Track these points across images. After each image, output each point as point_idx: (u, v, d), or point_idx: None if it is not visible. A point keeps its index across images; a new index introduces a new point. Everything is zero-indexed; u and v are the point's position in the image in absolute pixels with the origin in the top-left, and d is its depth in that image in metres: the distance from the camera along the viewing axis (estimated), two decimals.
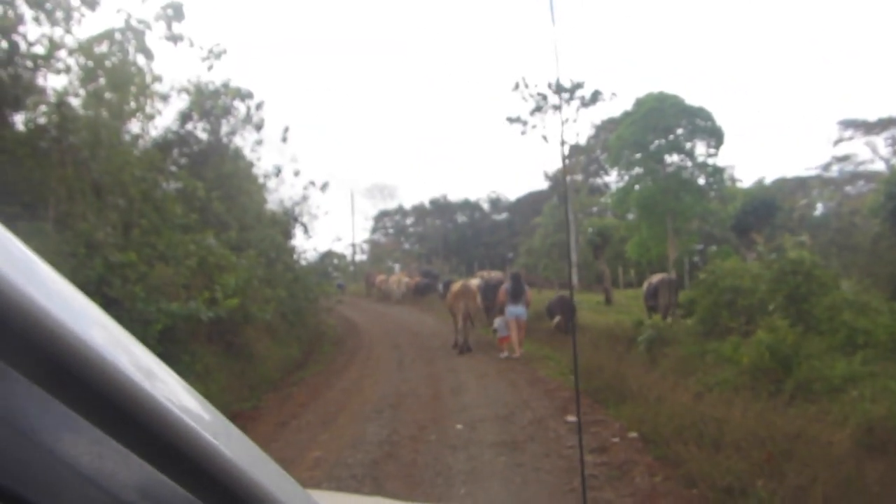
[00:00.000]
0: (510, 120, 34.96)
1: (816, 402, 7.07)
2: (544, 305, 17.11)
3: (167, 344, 8.21)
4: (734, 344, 9.37)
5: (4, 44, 8.21)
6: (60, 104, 8.66)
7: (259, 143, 17.21)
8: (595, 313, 19.40)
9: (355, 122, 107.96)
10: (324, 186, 20.27)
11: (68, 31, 9.01)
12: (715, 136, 27.36)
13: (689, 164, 27.57)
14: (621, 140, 28.44)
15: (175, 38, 10.33)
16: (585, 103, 33.82)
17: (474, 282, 16.68)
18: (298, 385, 11.28)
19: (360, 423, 8.29)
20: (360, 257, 59.28)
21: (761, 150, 78.44)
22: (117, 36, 9.84)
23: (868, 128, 34.89)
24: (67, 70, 9.29)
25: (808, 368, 7.81)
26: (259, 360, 11.55)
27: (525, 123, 34.41)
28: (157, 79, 11.21)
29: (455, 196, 64.51)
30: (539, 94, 33.48)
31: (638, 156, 27.80)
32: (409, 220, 68.04)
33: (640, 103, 28.44)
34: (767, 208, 22.20)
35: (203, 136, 15.60)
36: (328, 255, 23.64)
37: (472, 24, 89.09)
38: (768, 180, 36.64)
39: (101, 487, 0.60)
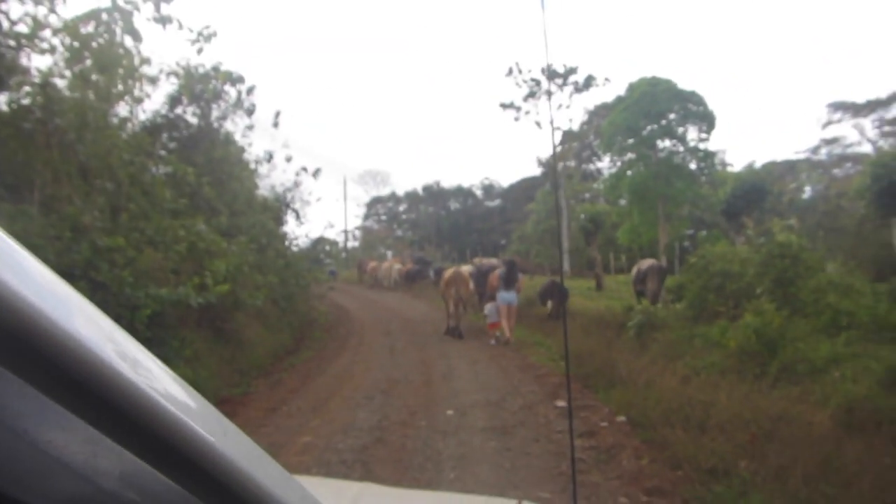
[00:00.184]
0: (503, 106, 34.90)
1: (800, 384, 7.17)
2: (536, 291, 17.19)
3: (156, 329, 8.19)
4: (722, 328, 9.46)
5: None
6: (45, 85, 8.54)
7: (250, 128, 17.18)
8: (586, 299, 19.47)
9: (348, 109, 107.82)
10: (316, 172, 20.27)
11: (52, 10, 8.86)
12: (707, 120, 27.43)
13: (681, 149, 27.66)
14: (614, 125, 28.49)
15: (163, 20, 10.21)
16: (579, 89, 33.78)
17: (466, 268, 16.72)
18: (289, 371, 11.30)
19: (351, 408, 8.33)
20: (352, 244, 59.30)
21: (752, 133, 78.74)
22: (104, 16, 9.71)
23: (856, 110, 35.04)
24: (52, 50, 9.14)
25: (793, 351, 7.91)
26: (249, 346, 11.57)
27: (518, 109, 34.38)
28: (146, 61, 11.10)
29: (448, 183, 64.62)
30: (532, 79, 33.44)
31: (630, 141, 27.88)
32: (401, 207, 68.02)
33: (632, 88, 28.47)
34: (757, 192, 22.29)
35: (193, 120, 15.54)
36: (320, 242, 23.70)
37: (465, 9, 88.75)
38: (758, 164, 36.85)
39: (88, 482, 0.59)
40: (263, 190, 19.61)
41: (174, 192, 11.44)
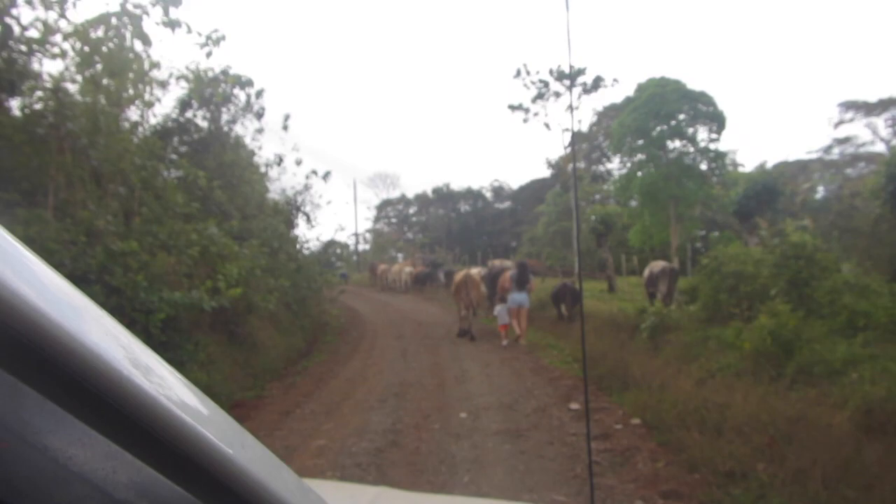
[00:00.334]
0: (512, 108, 34.95)
1: (817, 386, 7.11)
2: (548, 294, 17.16)
3: (170, 333, 8.23)
4: (736, 329, 9.39)
5: None
6: (57, 90, 8.57)
7: (260, 131, 17.21)
8: (598, 301, 19.40)
9: (357, 111, 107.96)
10: (326, 175, 20.29)
11: (62, 14, 8.89)
12: (717, 120, 27.31)
13: (692, 149, 27.55)
14: (623, 126, 28.40)
15: (172, 24, 10.22)
16: (587, 90, 33.76)
17: (476, 271, 16.71)
18: (302, 374, 11.31)
19: (364, 411, 8.32)
20: (363, 247, 59.38)
21: (763, 133, 78.35)
22: (113, 21, 9.71)
23: (868, 109, 34.81)
24: (63, 55, 9.16)
25: (809, 352, 7.84)
26: (262, 350, 11.59)
27: (527, 111, 34.40)
28: (156, 65, 11.11)
29: (458, 185, 64.63)
30: (541, 80, 33.43)
31: (640, 142, 27.78)
32: (411, 210, 68.10)
33: (641, 89, 28.38)
34: (769, 193, 22.11)
35: (203, 124, 15.57)
36: (331, 245, 23.68)
37: (474, 11, 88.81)
38: (770, 164, 36.64)
39: (108, 496, 0.59)
40: (274, 193, 19.68)
41: (186, 196, 11.47)
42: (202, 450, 0.63)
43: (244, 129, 16.89)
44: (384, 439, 6.98)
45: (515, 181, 73.19)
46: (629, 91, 30.65)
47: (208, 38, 11.78)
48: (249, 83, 16.30)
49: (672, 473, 5.62)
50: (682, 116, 26.95)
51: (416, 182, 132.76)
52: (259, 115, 16.88)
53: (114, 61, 9.74)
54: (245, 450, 0.73)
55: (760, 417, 6.14)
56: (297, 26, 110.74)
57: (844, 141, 36.11)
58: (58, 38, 9.06)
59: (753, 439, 5.73)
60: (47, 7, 8.73)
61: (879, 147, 33.99)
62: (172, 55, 28.35)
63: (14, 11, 8.34)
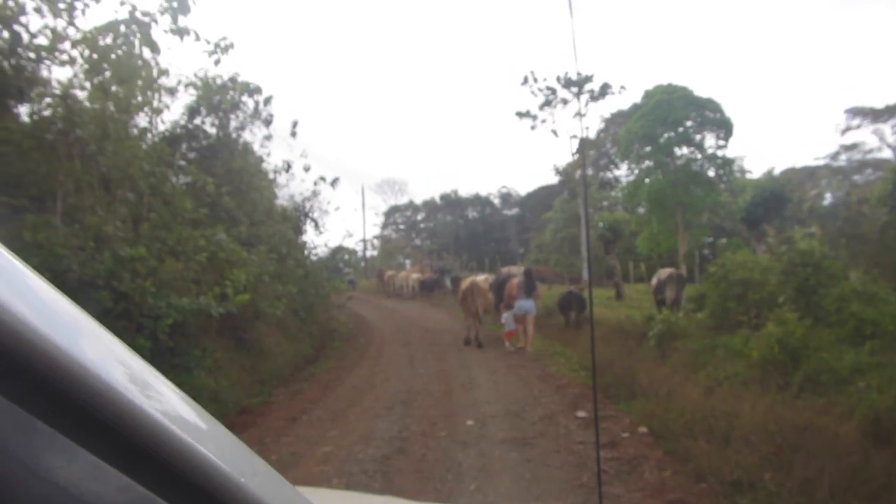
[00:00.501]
0: (520, 115, 34.93)
1: (824, 394, 7.08)
2: (555, 301, 17.16)
3: (178, 338, 8.25)
4: (744, 337, 9.37)
5: (6, 34, 8.17)
6: (66, 96, 8.62)
7: (268, 138, 17.28)
8: (606, 308, 19.38)
9: (365, 118, 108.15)
10: (334, 182, 20.36)
11: (71, 22, 8.94)
12: (724, 127, 27.30)
13: (699, 156, 27.53)
14: (631, 133, 28.41)
15: (181, 32, 10.26)
16: (595, 97, 33.74)
17: (482, 278, 16.73)
18: (309, 381, 11.33)
19: (371, 418, 8.32)
20: (371, 253, 59.42)
21: (770, 140, 78.19)
22: (122, 28, 9.77)
23: (875, 115, 34.73)
24: (72, 62, 9.21)
25: (817, 360, 7.81)
26: (270, 356, 11.62)
27: (535, 118, 34.39)
28: (164, 72, 11.17)
29: (465, 191, 64.68)
30: (548, 88, 33.44)
31: (648, 149, 27.78)
32: (419, 216, 68.15)
33: (648, 95, 28.39)
34: (777, 200, 22.06)
35: (212, 130, 15.66)
36: (339, 251, 23.74)
37: (481, 18, 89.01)
38: (777, 171, 36.58)
39: None
40: (282, 199, 19.74)
41: (194, 202, 11.51)
42: (217, 481, 0.63)
43: (252, 136, 16.98)
44: (391, 446, 6.98)
45: (523, 188, 73.24)
46: (636, 98, 30.69)
47: (217, 45, 11.83)
48: (258, 90, 16.37)
49: (679, 483, 5.60)
50: (689, 123, 26.96)
51: (424, 188, 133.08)
52: (267, 122, 16.96)
53: (122, 68, 9.79)
54: (257, 477, 0.73)
55: (768, 426, 6.11)
56: (306, 34, 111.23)
57: (851, 147, 36.03)
58: (66, 45, 9.13)
59: (761, 448, 5.70)
60: (56, 15, 8.79)
61: (886, 153, 33.95)
62: (181, 62, 28.61)
63: (23, 19, 8.40)
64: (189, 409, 0.71)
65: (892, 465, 5.03)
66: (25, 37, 8.45)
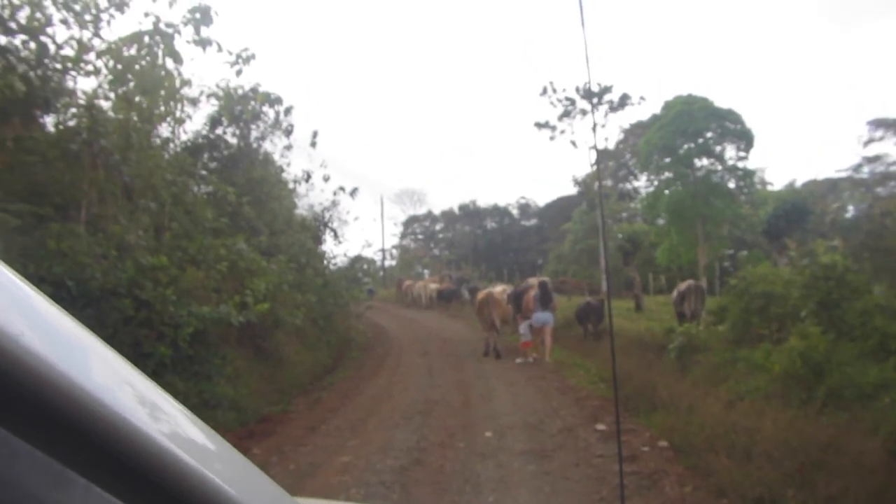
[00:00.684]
0: (538, 125, 34.86)
1: (848, 410, 6.97)
2: (573, 312, 17.11)
3: (198, 347, 8.33)
4: (766, 351, 9.25)
5: (33, 46, 8.30)
6: (90, 107, 8.75)
7: (288, 148, 17.40)
8: (625, 320, 19.26)
9: (384, 128, 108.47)
10: (353, 192, 20.42)
11: (96, 33, 9.09)
12: (745, 138, 27.04)
13: (719, 167, 27.30)
14: (650, 144, 28.23)
15: (203, 43, 10.36)
16: (614, 108, 33.65)
17: (499, 289, 16.70)
18: (328, 390, 11.36)
19: (389, 428, 8.32)
20: (389, 263, 59.45)
21: (792, 151, 77.59)
22: (146, 39, 9.90)
23: None
24: (96, 72, 9.34)
25: (840, 375, 7.69)
26: (289, 365, 11.66)
27: (553, 129, 34.31)
28: (187, 83, 11.31)
29: (484, 201, 64.39)
30: (567, 98, 33.39)
31: (667, 160, 27.56)
32: (438, 226, 68.09)
33: (668, 106, 28.21)
34: (799, 212, 21.88)
35: (233, 140, 15.80)
36: (358, 261, 23.79)
37: (500, 29, 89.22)
38: (799, 183, 36.22)
39: None
40: (302, 209, 19.88)
41: (215, 211, 11.62)
42: (197, 485, 0.62)
43: (273, 146, 17.12)
44: (409, 457, 6.97)
45: (542, 198, 72.78)
46: (656, 109, 30.50)
47: (238, 56, 11.94)
48: (278, 101, 16.47)
49: (700, 498, 5.55)
50: (709, 134, 26.72)
51: (443, 199, 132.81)
52: (288, 133, 17.07)
53: (146, 79, 9.91)
54: (265, 498, 0.74)
55: (790, 442, 6.03)
56: (327, 45, 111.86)
57: (874, 159, 35.48)
58: (91, 56, 9.26)
59: (783, 465, 5.63)
60: (82, 26, 8.93)
61: None
62: (203, 73, 28.84)
63: (49, 30, 8.54)
64: (197, 431, 0.71)
65: None
66: (52, 48, 8.58)
